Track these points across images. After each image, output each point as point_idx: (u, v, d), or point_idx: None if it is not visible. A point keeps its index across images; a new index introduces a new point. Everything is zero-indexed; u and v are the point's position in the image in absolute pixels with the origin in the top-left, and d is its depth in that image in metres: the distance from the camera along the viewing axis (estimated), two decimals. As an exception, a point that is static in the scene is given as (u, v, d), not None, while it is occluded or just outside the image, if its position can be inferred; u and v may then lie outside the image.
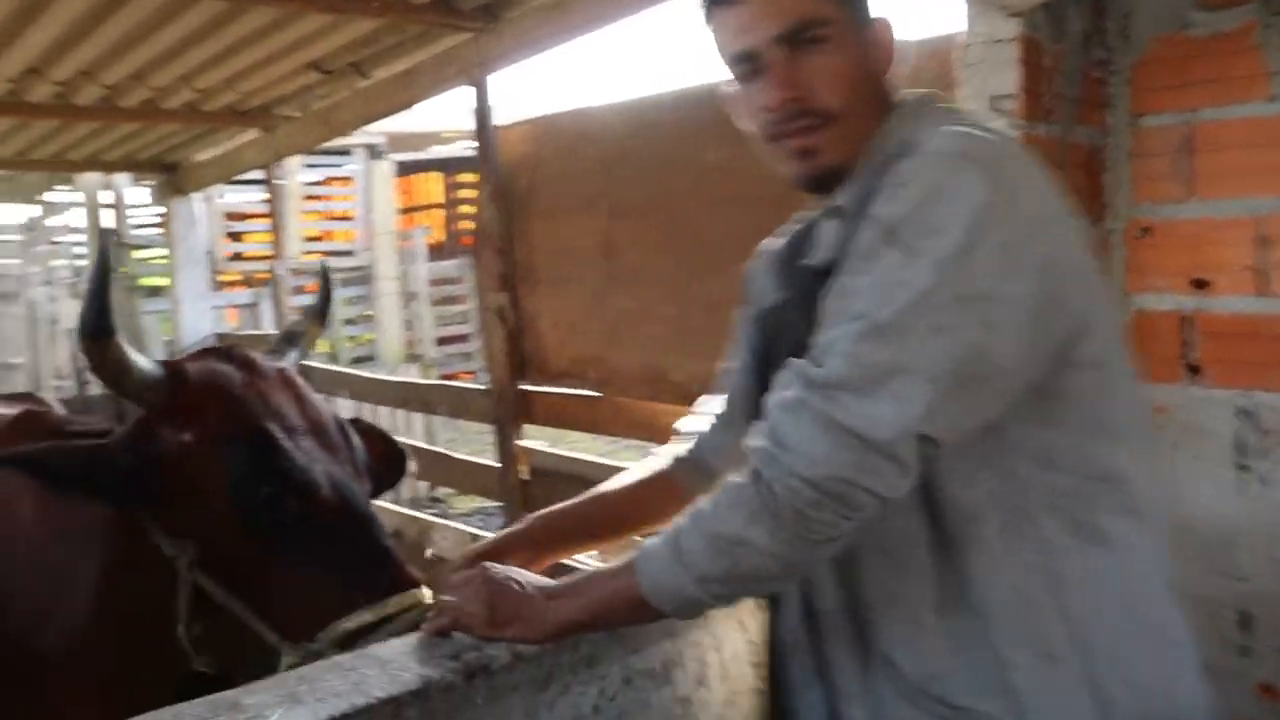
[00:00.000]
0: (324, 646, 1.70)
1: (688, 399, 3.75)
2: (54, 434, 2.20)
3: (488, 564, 1.48)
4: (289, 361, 2.19)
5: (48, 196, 11.38)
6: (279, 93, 5.37)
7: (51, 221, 11.21)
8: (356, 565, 1.81)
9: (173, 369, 1.98)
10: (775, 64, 1.38)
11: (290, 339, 2.31)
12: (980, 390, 1.22)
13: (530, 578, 1.44)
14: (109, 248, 1.96)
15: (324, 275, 2.47)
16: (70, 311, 10.33)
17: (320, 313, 2.42)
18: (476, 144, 4.42)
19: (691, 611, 1.35)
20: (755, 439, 1.26)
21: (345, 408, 8.09)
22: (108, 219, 9.91)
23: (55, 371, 10.10)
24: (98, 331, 1.84)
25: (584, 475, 4.20)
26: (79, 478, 1.87)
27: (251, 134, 6.20)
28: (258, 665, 1.75)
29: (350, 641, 1.67)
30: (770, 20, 1.37)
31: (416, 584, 1.81)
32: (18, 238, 12.15)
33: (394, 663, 1.36)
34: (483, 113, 4.34)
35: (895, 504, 1.24)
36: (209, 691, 1.97)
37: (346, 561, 1.81)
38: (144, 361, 1.93)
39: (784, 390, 1.25)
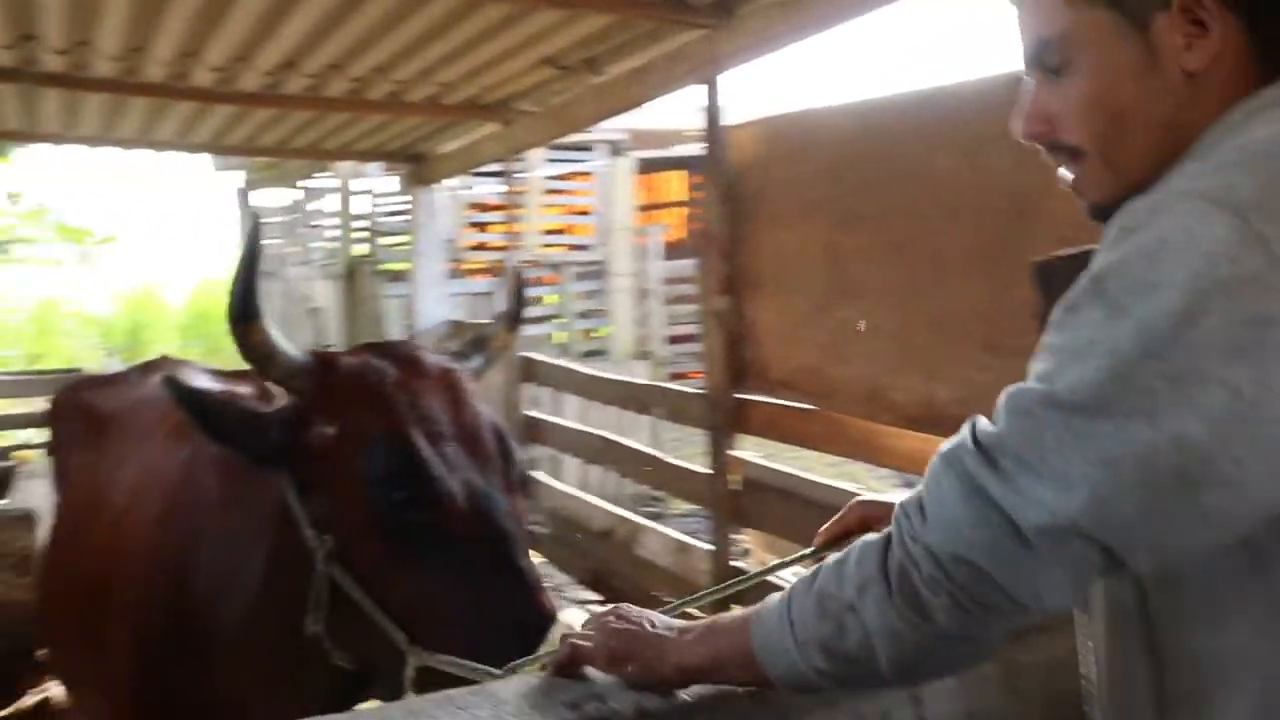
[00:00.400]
0: (449, 664, 1.64)
1: (908, 421, 3.55)
2: None
3: (625, 605, 1.34)
4: (469, 365, 2.12)
5: (308, 182, 12.12)
6: (516, 88, 5.43)
7: (310, 206, 11.91)
8: (489, 584, 1.73)
9: (322, 360, 1.94)
10: (1033, 86, 1.14)
11: (478, 343, 2.24)
12: (1185, 500, 0.91)
13: (666, 620, 1.29)
14: (258, 234, 1.92)
15: (516, 279, 2.38)
16: (320, 291, 10.95)
17: (512, 317, 2.34)
18: (705, 144, 4.30)
19: (798, 684, 1.12)
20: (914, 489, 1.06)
21: (570, 404, 8.20)
22: (360, 205, 10.44)
23: (305, 347, 10.69)
24: (244, 315, 1.81)
25: (797, 491, 4.03)
26: (234, 435, 1.86)
27: (491, 127, 6.33)
28: (388, 666, 1.73)
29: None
30: (1024, 39, 1.14)
31: (552, 615, 1.71)
32: (280, 219, 13.00)
33: (509, 704, 1.23)
34: (713, 112, 4.22)
35: (1115, 634, 1.00)
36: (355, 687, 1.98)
37: (479, 578, 1.73)
38: (291, 349, 1.89)
39: (952, 439, 1.03)
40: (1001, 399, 0.99)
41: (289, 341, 1.92)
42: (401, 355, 1.95)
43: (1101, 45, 1.06)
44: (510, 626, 1.67)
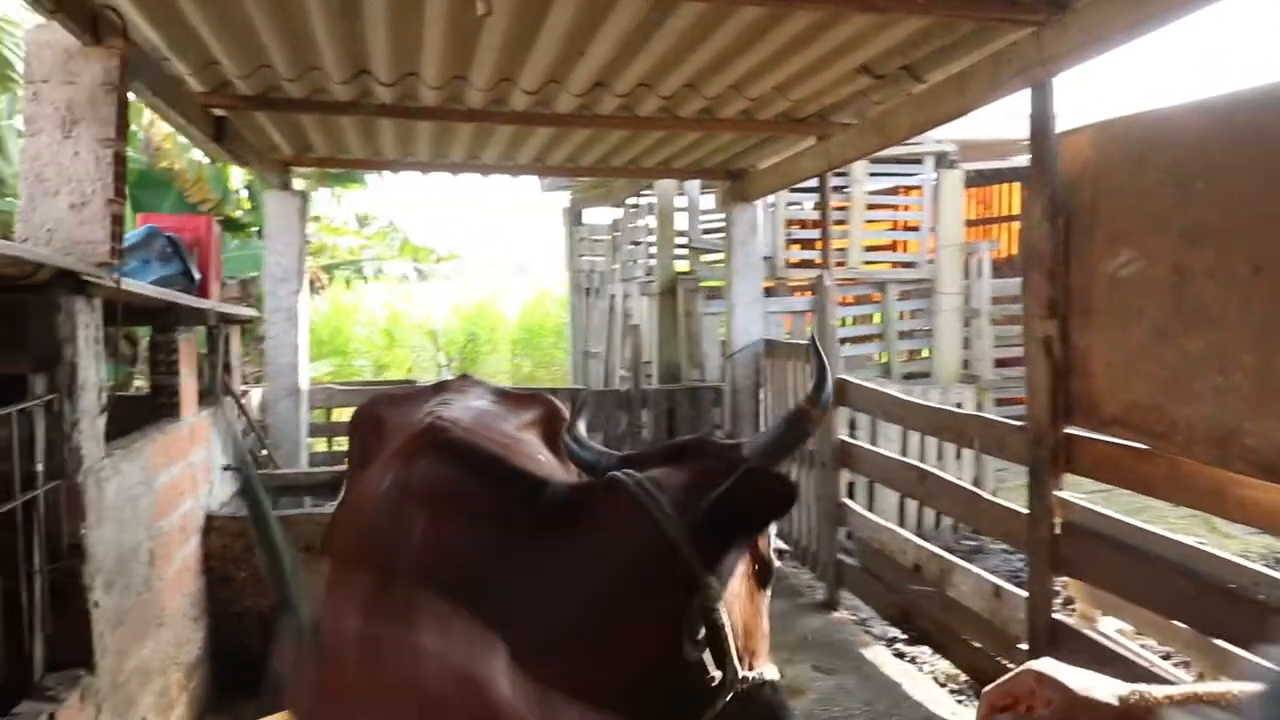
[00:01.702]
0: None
1: (1267, 471, 3.03)
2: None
3: None
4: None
5: (630, 201, 12.40)
6: (831, 99, 5.24)
7: (632, 224, 12.19)
8: None
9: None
10: None
11: (791, 421, 2.10)
12: None
13: None
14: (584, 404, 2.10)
15: (816, 353, 2.19)
16: (639, 308, 11.15)
17: (815, 395, 2.15)
18: (1032, 152, 3.92)
19: None
20: None
21: (892, 429, 7.86)
22: (680, 223, 10.53)
23: (623, 363, 10.94)
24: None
25: (1128, 541, 3.58)
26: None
27: (807, 142, 6.16)
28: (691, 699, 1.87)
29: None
30: None
31: None
32: (605, 238, 13.40)
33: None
34: (1042, 117, 3.85)
35: None
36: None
37: None
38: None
39: None
40: None
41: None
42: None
43: None
44: None
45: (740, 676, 1.89)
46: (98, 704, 3.04)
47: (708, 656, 1.85)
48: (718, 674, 1.86)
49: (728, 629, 1.86)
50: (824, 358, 2.19)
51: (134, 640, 3.52)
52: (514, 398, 3.02)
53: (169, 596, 4.05)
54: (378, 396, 3.22)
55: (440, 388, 3.08)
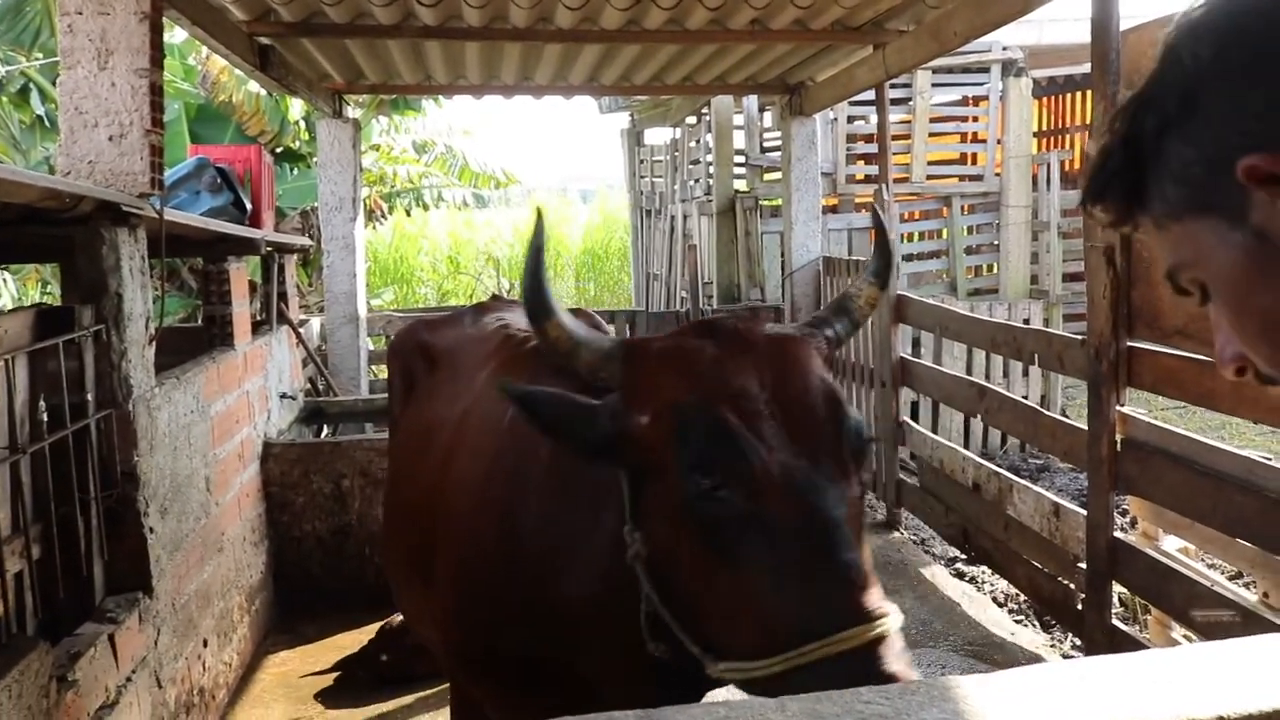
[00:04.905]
0: (741, 675, 1.53)
1: (1338, 383, 2.90)
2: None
3: None
4: (825, 332, 1.89)
5: (689, 120, 12.21)
6: (885, 3, 5.05)
7: (690, 143, 12.02)
8: (806, 581, 1.50)
9: (630, 346, 1.82)
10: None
11: (842, 308, 1.98)
12: None
13: None
14: (541, 232, 1.81)
15: (879, 229, 2.09)
16: (699, 228, 11.02)
17: (880, 273, 2.06)
18: (1093, 54, 3.75)
19: None
20: None
21: (956, 346, 7.72)
22: (738, 141, 10.35)
23: (684, 284, 10.86)
24: (537, 314, 1.78)
25: (1192, 458, 3.47)
26: (563, 430, 1.76)
27: (863, 51, 5.98)
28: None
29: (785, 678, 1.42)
30: None
31: (877, 615, 1.46)
32: (664, 159, 13.24)
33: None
34: (1105, 13, 3.66)
35: None
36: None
37: (796, 574, 1.51)
38: (593, 341, 1.81)
39: None
40: None
41: (594, 332, 1.87)
42: (725, 331, 1.76)
43: (1211, 256, 0.84)
44: (824, 633, 1.44)
45: None
46: (156, 625, 3.12)
47: None
48: None
49: None
50: (885, 229, 2.11)
51: (193, 564, 3.60)
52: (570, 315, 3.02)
53: (227, 522, 4.13)
54: (416, 324, 3.20)
55: (481, 308, 3.05)
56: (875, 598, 1.49)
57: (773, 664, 1.46)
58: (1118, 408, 3.79)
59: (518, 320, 2.78)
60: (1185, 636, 3.74)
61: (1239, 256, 0.81)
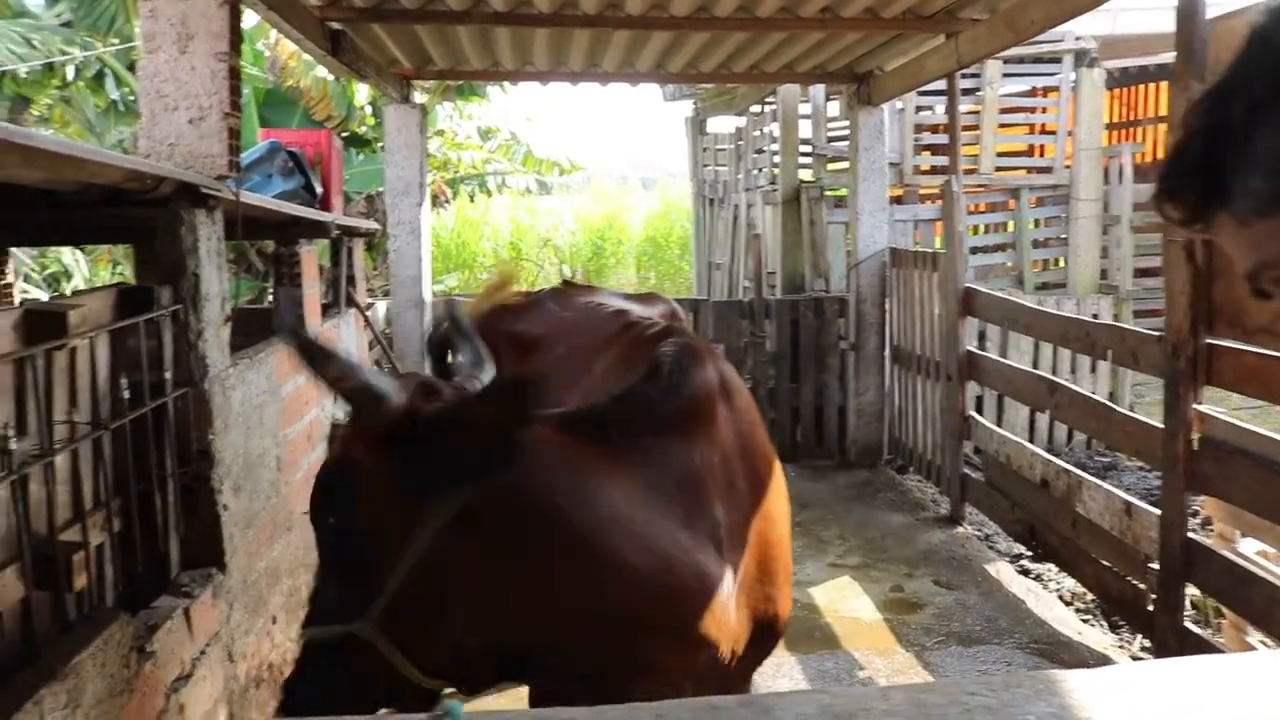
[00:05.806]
0: None
1: None
2: None
3: None
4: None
5: (754, 109, 12.13)
6: (960, -9, 4.98)
7: (755, 132, 11.94)
8: None
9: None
10: None
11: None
12: None
13: None
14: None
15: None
16: (763, 218, 10.94)
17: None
18: (1178, 43, 3.66)
19: None
20: None
21: (1024, 341, 7.61)
22: (804, 130, 10.25)
23: (747, 273, 10.80)
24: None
25: (1273, 457, 3.39)
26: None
27: (935, 41, 5.89)
28: None
29: None
30: None
31: None
32: (728, 147, 13.17)
33: None
34: (1191, 1, 3.57)
35: None
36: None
37: None
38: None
39: None
40: None
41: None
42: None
43: None
44: None
45: None
46: (229, 601, 3.17)
47: None
48: None
49: None
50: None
51: (263, 542, 3.65)
52: (639, 298, 3.01)
53: (296, 501, 4.18)
54: (493, 310, 3.19)
55: (558, 293, 3.06)
56: None
57: None
58: (1195, 405, 3.71)
59: (609, 299, 2.78)
60: (1262, 642, 3.65)
61: None
